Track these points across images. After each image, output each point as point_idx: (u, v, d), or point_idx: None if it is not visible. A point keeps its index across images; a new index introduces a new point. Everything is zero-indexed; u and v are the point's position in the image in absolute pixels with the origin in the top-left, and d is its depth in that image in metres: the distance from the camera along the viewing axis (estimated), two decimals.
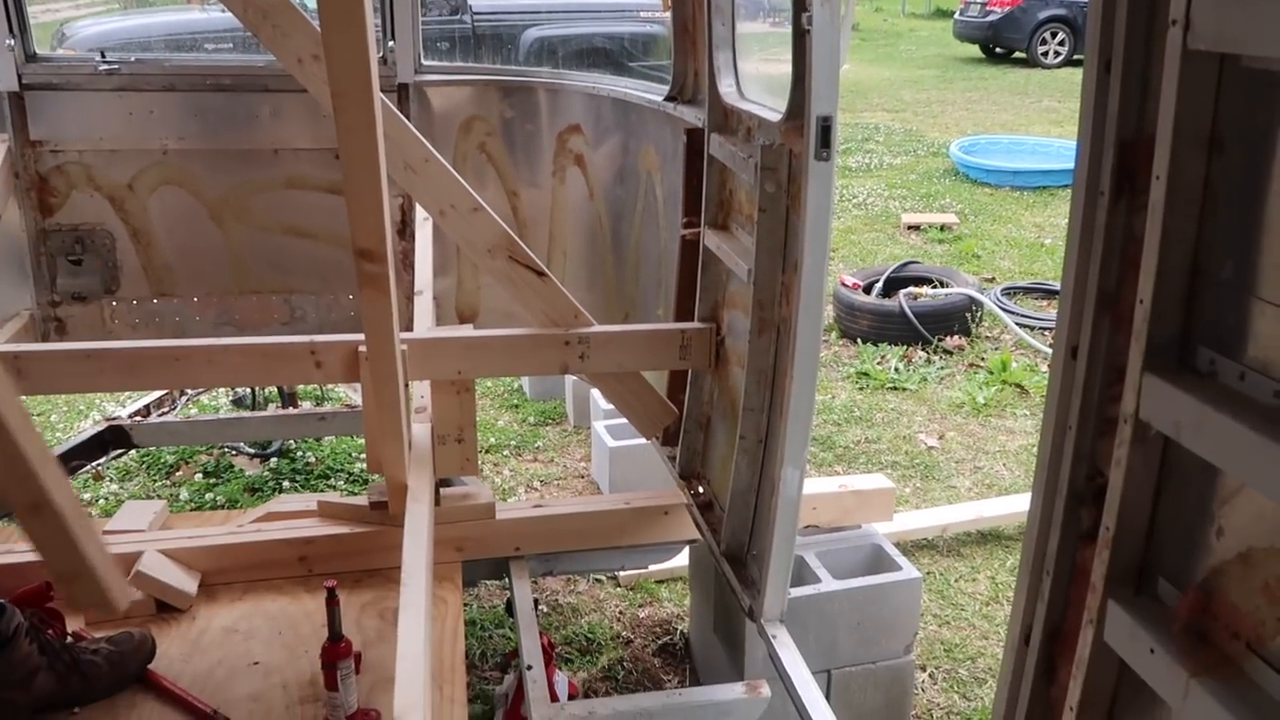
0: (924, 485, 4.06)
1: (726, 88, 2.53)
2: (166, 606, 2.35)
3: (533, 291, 2.56)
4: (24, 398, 4.06)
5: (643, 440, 2.97)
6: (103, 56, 3.28)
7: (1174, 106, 1.01)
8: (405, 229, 3.48)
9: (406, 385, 2.47)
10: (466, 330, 2.78)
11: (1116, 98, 1.12)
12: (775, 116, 2.19)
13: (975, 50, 18.03)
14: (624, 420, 2.97)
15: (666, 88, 3.10)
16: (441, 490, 2.64)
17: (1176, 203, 1.04)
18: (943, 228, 7.55)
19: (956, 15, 18.55)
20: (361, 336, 2.52)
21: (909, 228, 7.62)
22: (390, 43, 3.40)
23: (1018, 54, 17.16)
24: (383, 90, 2.45)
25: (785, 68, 2.71)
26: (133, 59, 3.33)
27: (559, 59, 9.23)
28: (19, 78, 3.17)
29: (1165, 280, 1.06)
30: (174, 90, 3.32)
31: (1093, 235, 1.20)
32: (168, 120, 3.33)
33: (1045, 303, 6.10)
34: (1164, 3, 1.03)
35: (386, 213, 1.55)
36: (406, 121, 2.48)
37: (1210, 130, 1.02)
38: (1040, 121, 11.87)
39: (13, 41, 3.13)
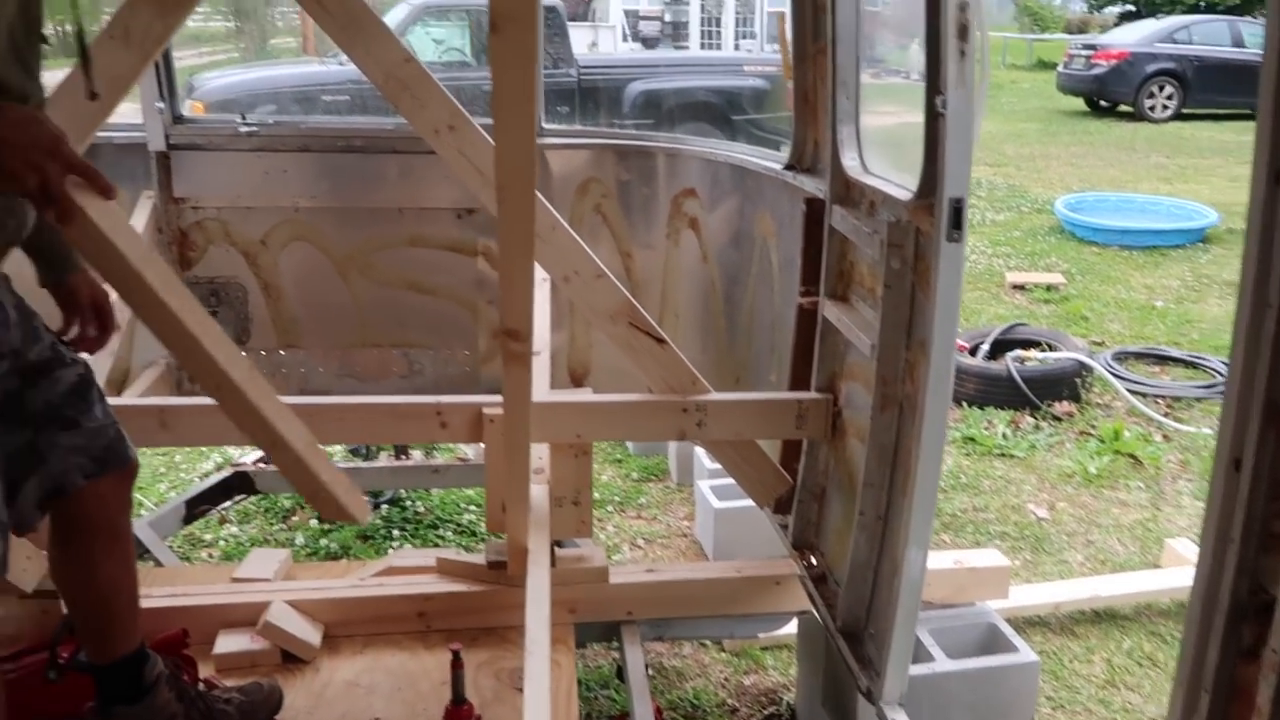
0: (1034, 558, 3.96)
1: (850, 161, 2.55)
2: (292, 657, 2.42)
3: (652, 358, 2.59)
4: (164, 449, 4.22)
5: (748, 502, 2.97)
6: (243, 119, 3.45)
7: None
8: None
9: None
10: (586, 394, 2.82)
11: None
12: (902, 194, 2.20)
13: (1080, 103, 17.75)
14: (728, 480, 2.97)
15: (779, 151, 3.13)
16: (556, 551, 2.67)
17: None
18: (1049, 287, 7.41)
19: (1060, 68, 18.32)
20: (484, 398, 2.60)
21: (1014, 287, 7.49)
22: None
23: (1124, 107, 16.83)
24: None
25: (887, 120, 2.72)
26: (271, 121, 3.50)
27: (664, 113, 9.38)
28: (166, 138, 3.35)
29: None
30: (308, 151, 3.47)
31: (1259, 345, 1.17)
32: (301, 179, 3.48)
33: (1159, 369, 5.93)
34: None
35: (534, 296, 1.59)
36: (546, 204, 2.55)
37: None
38: (1149, 178, 11.60)
39: (162, 105, 3.32)
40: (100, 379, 2.88)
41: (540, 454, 2.71)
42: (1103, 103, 17.29)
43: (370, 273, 3.57)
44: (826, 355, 2.64)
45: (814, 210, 2.70)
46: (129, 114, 3.16)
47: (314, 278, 3.54)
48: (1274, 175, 1.14)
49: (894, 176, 2.47)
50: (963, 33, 1.90)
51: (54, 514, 1.84)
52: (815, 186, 2.74)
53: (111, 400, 2.94)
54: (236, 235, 3.47)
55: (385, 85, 2.47)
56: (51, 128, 1.49)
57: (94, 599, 1.94)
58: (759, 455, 2.76)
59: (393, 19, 9.80)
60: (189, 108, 8.08)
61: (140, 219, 3.31)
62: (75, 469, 1.81)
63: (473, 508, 4.07)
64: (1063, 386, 5.33)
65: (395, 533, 3.85)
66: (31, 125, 1.47)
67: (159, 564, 3.15)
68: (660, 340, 2.58)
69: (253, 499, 3.95)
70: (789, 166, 2.97)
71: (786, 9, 2.96)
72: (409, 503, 4.05)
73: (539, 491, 2.58)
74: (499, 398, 2.61)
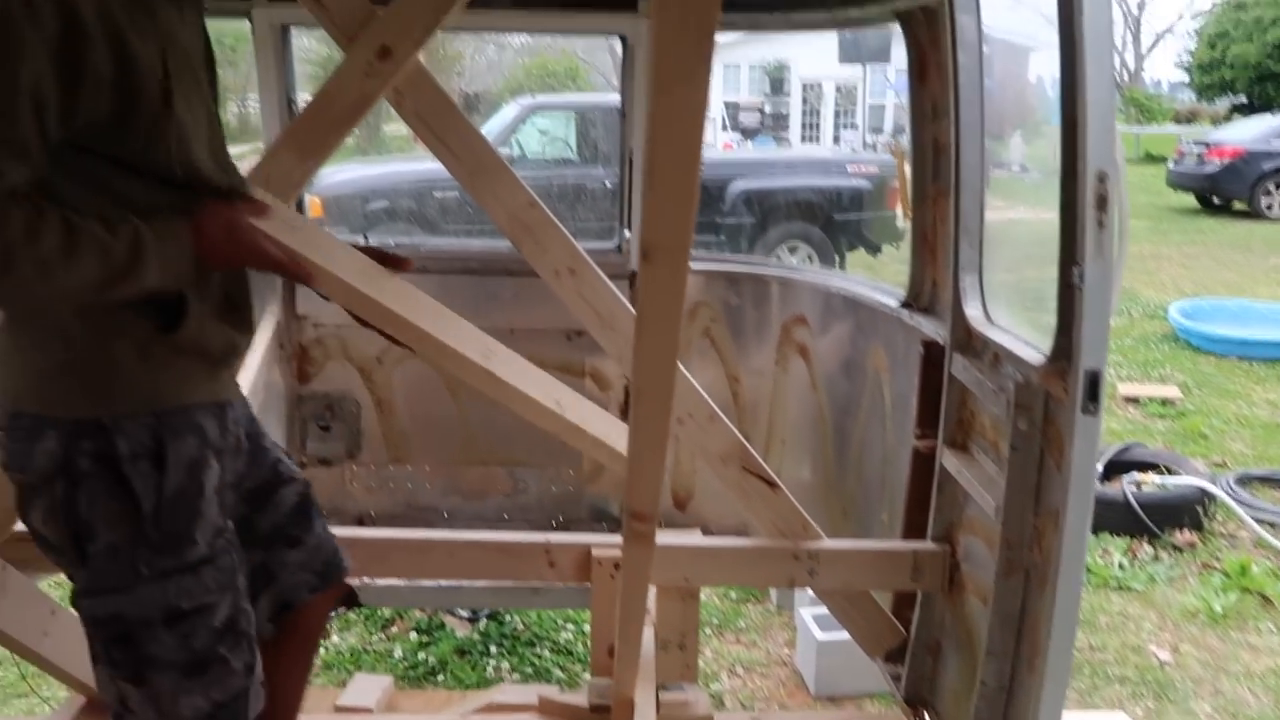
0: (1158, 707, 3.74)
1: (973, 310, 2.50)
2: None
3: (763, 501, 2.55)
4: None
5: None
6: (365, 238, 3.56)
7: None
8: (627, 412, 3.56)
9: None
10: (695, 537, 2.78)
11: None
12: (1031, 355, 2.14)
13: (1191, 200, 17.31)
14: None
15: (894, 286, 3.09)
16: (660, 694, 2.62)
17: None
18: (1164, 401, 7.14)
19: (1171, 165, 17.92)
20: (593, 538, 2.59)
21: (1126, 399, 7.24)
22: (626, 232, 3.54)
23: (1238, 205, 16.37)
24: (614, 277, 2.57)
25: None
26: (392, 244, 3.60)
27: (766, 211, 9.43)
28: None
29: None
30: (426, 272, 3.56)
31: None
32: None
33: None
34: None
35: (666, 479, 1.58)
36: (579, 249, 2.55)
37: None
38: (1267, 282, 11.19)
39: None
40: None
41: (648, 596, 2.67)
42: (1216, 200, 16.83)
43: (479, 392, 3.61)
44: (944, 505, 2.57)
45: (932, 354, 2.66)
46: None
47: (426, 395, 3.60)
48: None
49: (1012, 318, 2.43)
50: (1101, 204, 1.86)
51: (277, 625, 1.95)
52: (934, 330, 2.69)
53: None
54: (353, 352, 3.56)
55: (509, 227, 2.53)
56: (243, 219, 1.60)
57: (292, 702, 2.01)
58: (871, 604, 2.68)
59: (502, 118, 10.13)
60: (308, 203, 8.43)
61: (264, 335, 3.42)
62: (303, 584, 1.92)
63: (569, 625, 4.03)
64: (1183, 514, 5.08)
65: (493, 649, 3.83)
66: (230, 222, 1.57)
67: None
68: (772, 484, 2.54)
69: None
70: (905, 304, 2.94)
71: (905, 146, 2.95)
72: (507, 618, 4.03)
73: (645, 635, 2.54)
74: (608, 537, 2.60)
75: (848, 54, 17.70)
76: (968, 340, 2.49)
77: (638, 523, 1.58)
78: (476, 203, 2.52)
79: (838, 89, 27.04)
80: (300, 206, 3.55)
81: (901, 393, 2.95)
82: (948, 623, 2.55)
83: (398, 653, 3.80)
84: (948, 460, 2.51)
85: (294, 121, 2.48)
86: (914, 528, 2.69)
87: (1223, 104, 30.42)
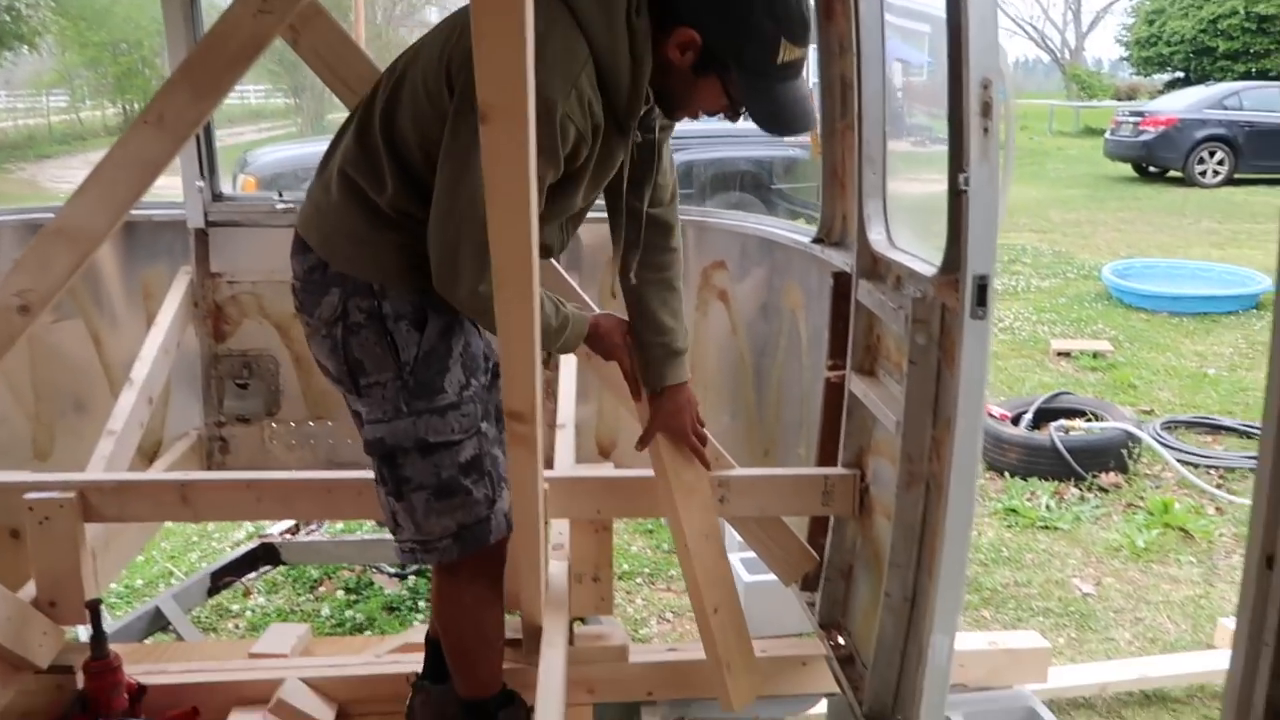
0: (1079, 636, 3.81)
1: (876, 235, 2.52)
2: None
3: None
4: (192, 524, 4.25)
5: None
6: (280, 195, 3.51)
7: None
8: (550, 359, 3.55)
9: (546, 523, 2.48)
10: (608, 470, 2.79)
11: None
12: (927, 269, 2.16)
13: (1127, 169, 17.62)
14: None
15: (809, 226, 3.10)
16: (575, 629, 2.62)
17: None
18: (1095, 355, 7.27)
19: (1107, 134, 18.21)
20: None
21: (1059, 354, 7.35)
22: None
23: (1173, 173, 16.67)
24: None
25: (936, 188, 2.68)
26: None
27: (704, 183, 9.42)
28: (205, 216, 3.42)
29: None
30: None
31: None
32: None
33: (1210, 439, 5.76)
34: None
35: (539, 377, 1.57)
36: (560, 269, 2.55)
37: None
38: (1199, 244, 11.42)
39: (202, 183, 3.39)
40: (130, 450, 2.92)
41: (561, 529, 2.67)
42: (1151, 169, 17.14)
43: None
44: (854, 430, 2.59)
45: (841, 284, 2.67)
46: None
47: None
48: None
49: (921, 249, 2.44)
50: (986, 110, 1.87)
51: None
52: (843, 260, 2.71)
53: (139, 475, 2.98)
54: (271, 309, 3.51)
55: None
56: (620, 332, 2.22)
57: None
58: (785, 532, 2.69)
59: None
60: (241, 183, 8.29)
61: (177, 294, 3.37)
62: None
63: None
64: (1109, 457, 5.18)
65: (422, 604, 3.81)
66: (617, 329, 2.21)
67: (180, 638, 3.14)
68: None
69: (281, 570, 3.94)
70: (817, 240, 2.95)
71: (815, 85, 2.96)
72: None
73: (558, 568, 2.54)
74: None
75: None
76: (873, 266, 2.51)
77: (517, 423, 1.58)
78: None
79: None
80: (218, 191, 3.49)
81: (816, 327, 2.97)
82: (859, 546, 2.58)
83: (325, 611, 3.76)
84: (856, 386, 2.53)
85: (188, 58, 2.43)
86: (827, 457, 2.71)
87: (1161, 79, 30.89)
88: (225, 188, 3.52)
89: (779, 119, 1.89)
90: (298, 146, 10.44)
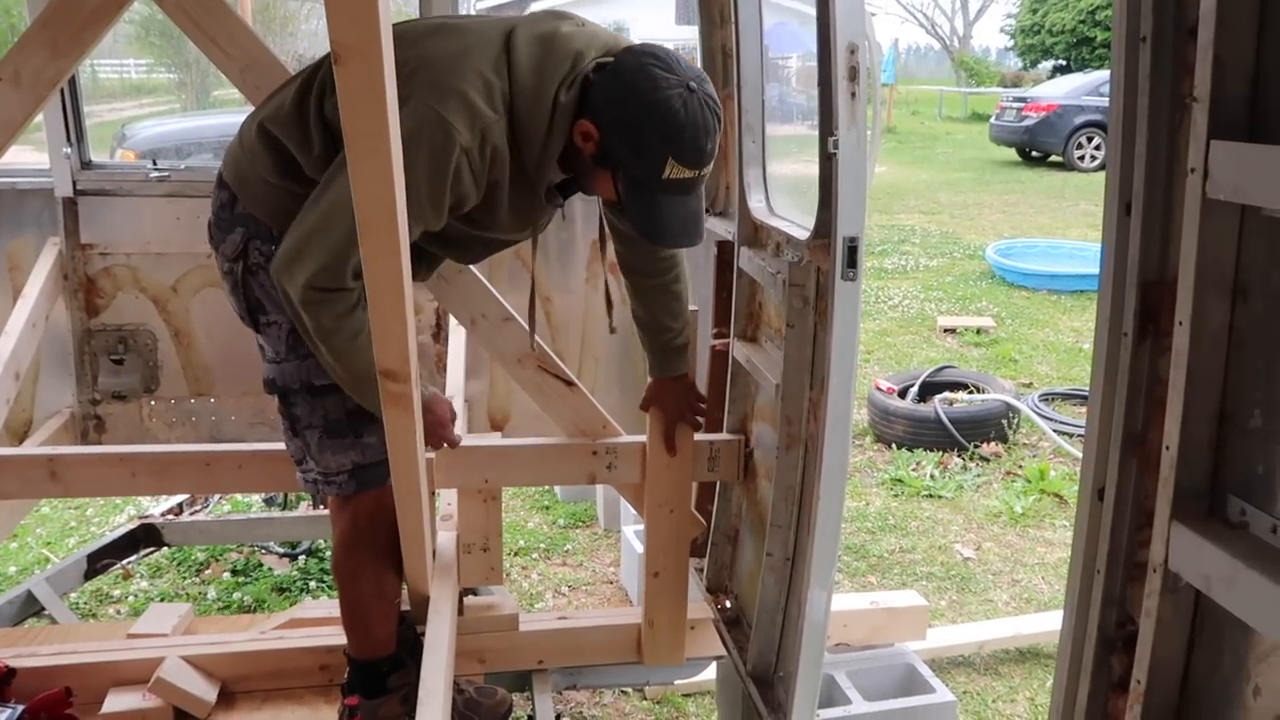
0: (960, 598, 3.96)
1: (756, 203, 2.56)
2: (186, 715, 2.33)
3: (561, 401, 2.57)
4: (61, 500, 4.11)
5: None
6: (154, 164, 3.39)
7: (1195, 254, 1.01)
8: (440, 333, 3.52)
9: (433, 493, 2.47)
10: (494, 439, 2.78)
11: (1137, 240, 1.11)
12: (803, 234, 2.21)
13: (1012, 154, 18.19)
14: None
15: None
16: (465, 600, 2.61)
17: (1201, 349, 1.02)
18: (979, 331, 7.52)
19: (992, 120, 18.78)
20: None
21: (945, 330, 7.59)
22: None
23: (1054, 158, 17.28)
24: None
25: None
26: (183, 166, 3.44)
27: None
28: (74, 184, 3.28)
29: (1191, 426, 1.04)
30: None
31: (1116, 375, 1.18)
32: None
33: (1085, 409, 6.00)
34: (1182, 150, 1.03)
35: (412, 334, 1.56)
36: (483, 280, 2.53)
37: (1234, 278, 1.01)
38: (1078, 225, 11.88)
39: (70, 150, 3.25)
40: None
41: (450, 499, 2.66)
42: (1034, 153, 17.73)
43: None
44: (738, 396, 2.63)
45: (724, 253, 2.71)
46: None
47: (225, 325, 3.44)
48: (1124, 206, 1.15)
49: (799, 218, 2.49)
50: (852, 75, 1.92)
51: None
52: (726, 229, 2.75)
53: (8, 450, 2.86)
54: (146, 282, 3.39)
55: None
56: (447, 411, 2.23)
57: None
58: None
59: None
60: (119, 157, 7.96)
61: (45, 266, 3.23)
62: None
63: None
64: (990, 428, 5.39)
65: (312, 584, 3.75)
66: (442, 406, 2.22)
67: (54, 622, 3.03)
68: (569, 383, 2.56)
69: (165, 552, 3.83)
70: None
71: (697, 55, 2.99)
72: (328, 553, 3.95)
73: (447, 539, 2.53)
74: None
75: (683, 16, 17.85)
76: (754, 234, 2.56)
77: (391, 382, 1.56)
78: (249, 100, 2.43)
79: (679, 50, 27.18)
80: (87, 158, 3.36)
81: (702, 298, 3.00)
82: (744, 510, 2.63)
83: (211, 594, 3.68)
84: (739, 352, 2.58)
85: (44, 12, 2.32)
86: (713, 424, 2.74)
87: (1045, 67, 31.93)
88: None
89: (654, 228, 1.94)
90: (179, 121, 10.08)
